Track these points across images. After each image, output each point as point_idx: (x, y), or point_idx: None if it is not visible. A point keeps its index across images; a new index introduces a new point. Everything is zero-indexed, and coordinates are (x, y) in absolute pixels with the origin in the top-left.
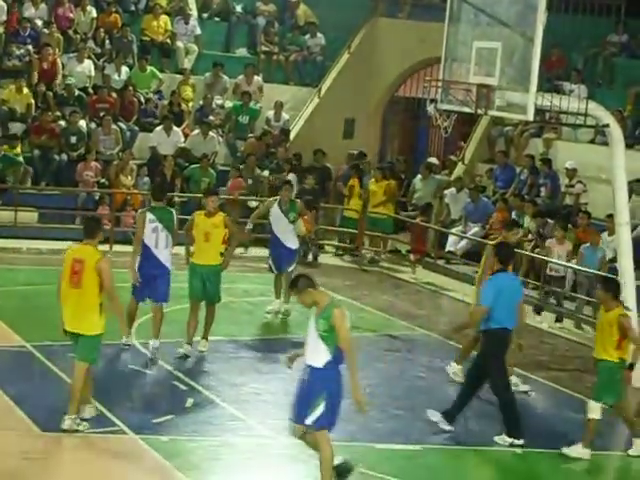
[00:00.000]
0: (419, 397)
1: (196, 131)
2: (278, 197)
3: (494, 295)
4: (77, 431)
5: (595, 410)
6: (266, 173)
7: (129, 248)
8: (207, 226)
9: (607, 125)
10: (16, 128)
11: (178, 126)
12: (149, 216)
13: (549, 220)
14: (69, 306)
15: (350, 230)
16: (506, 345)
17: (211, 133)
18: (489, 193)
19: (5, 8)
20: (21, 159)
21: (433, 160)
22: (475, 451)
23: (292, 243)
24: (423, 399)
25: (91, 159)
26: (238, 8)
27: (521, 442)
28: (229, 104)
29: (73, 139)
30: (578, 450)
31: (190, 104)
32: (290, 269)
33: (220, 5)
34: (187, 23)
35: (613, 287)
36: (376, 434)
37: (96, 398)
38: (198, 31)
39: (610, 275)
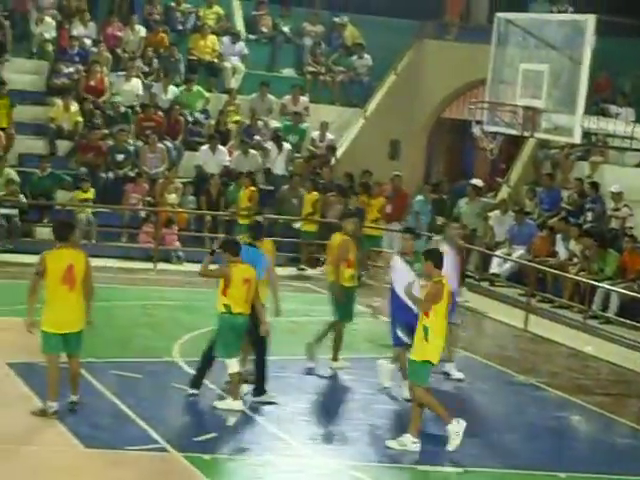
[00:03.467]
0: (467, 419)
1: (238, 151)
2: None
3: None
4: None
5: (231, 365)
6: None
7: (171, 266)
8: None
9: None
10: (64, 146)
11: (224, 145)
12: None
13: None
14: None
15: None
16: None
17: (252, 151)
18: (534, 216)
19: (54, 25)
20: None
21: (477, 182)
22: (517, 474)
23: None
24: (465, 422)
25: (142, 182)
26: (285, 29)
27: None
28: (276, 124)
29: (120, 157)
30: (228, 402)
31: (236, 121)
32: None
33: (269, 30)
34: (234, 43)
35: (231, 247)
36: (418, 456)
37: (139, 415)
38: (246, 51)
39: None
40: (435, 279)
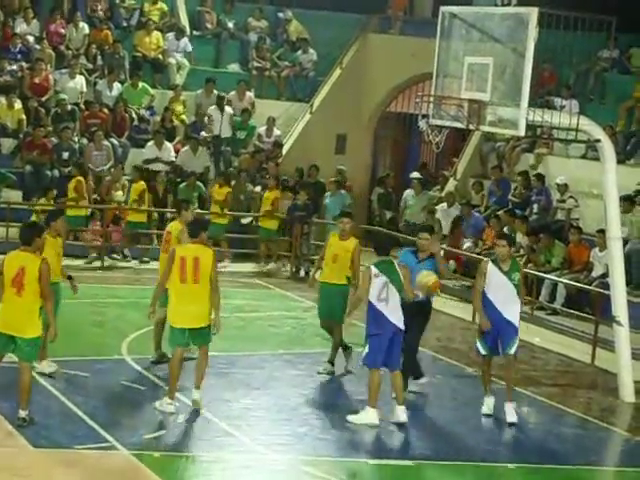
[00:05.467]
0: (411, 413)
1: (186, 147)
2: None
3: None
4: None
5: None
6: (258, 189)
7: (119, 264)
8: (337, 248)
9: (598, 140)
10: (8, 144)
11: (170, 142)
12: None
13: (542, 236)
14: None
15: None
16: None
17: (201, 148)
18: (481, 208)
19: None
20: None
21: (416, 174)
22: (468, 466)
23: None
24: (415, 415)
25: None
26: (230, 24)
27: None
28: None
29: (65, 155)
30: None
31: (183, 118)
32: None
33: (214, 25)
34: (179, 39)
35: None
36: (369, 449)
37: (87, 414)
38: (189, 47)
39: None
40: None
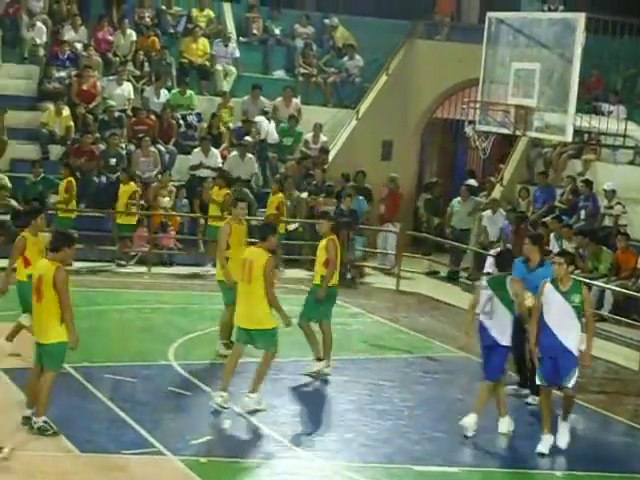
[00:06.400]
0: (458, 419)
1: (234, 153)
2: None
3: None
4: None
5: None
6: (304, 195)
7: (166, 270)
8: (318, 249)
9: None
10: (56, 150)
11: (217, 148)
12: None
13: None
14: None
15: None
16: None
17: (249, 154)
18: (527, 214)
19: (45, 30)
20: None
21: (472, 182)
22: (514, 474)
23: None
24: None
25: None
26: (276, 31)
27: None
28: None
29: (112, 161)
30: None
31: (229, 124)
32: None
33: (260, 32)
34: (227, 46)
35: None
36: (414, 456)
37: (134, 419)
38: (237, 54)
39: None
40: None
